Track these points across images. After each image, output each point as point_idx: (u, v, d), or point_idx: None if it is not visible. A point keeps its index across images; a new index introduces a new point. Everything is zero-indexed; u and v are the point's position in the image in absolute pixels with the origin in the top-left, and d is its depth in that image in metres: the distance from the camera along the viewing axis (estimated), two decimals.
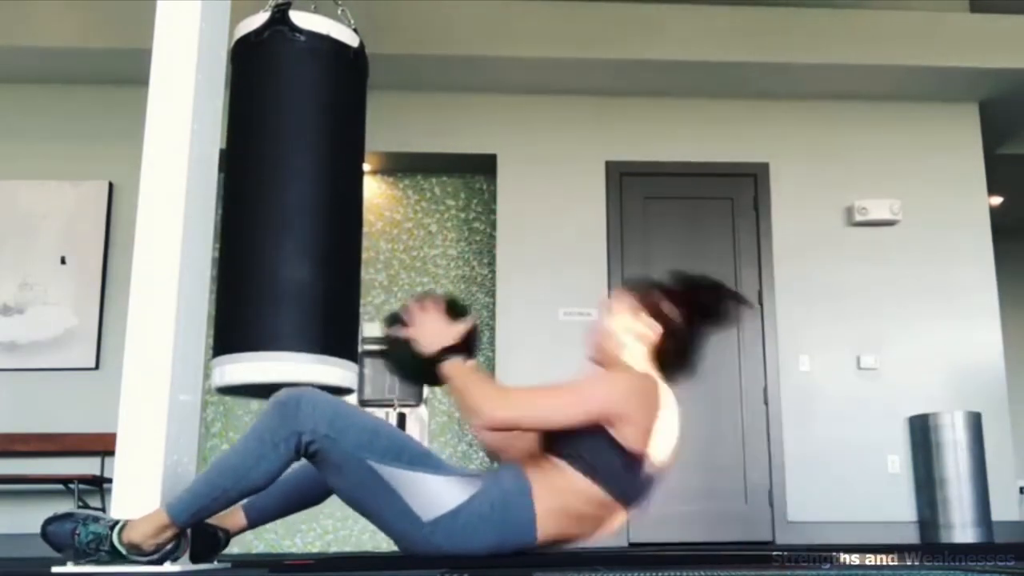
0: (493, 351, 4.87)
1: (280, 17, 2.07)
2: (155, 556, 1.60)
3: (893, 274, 4.89)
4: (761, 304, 4.83)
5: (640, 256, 4.85)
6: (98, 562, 1.60)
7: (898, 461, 4.70)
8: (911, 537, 4.57)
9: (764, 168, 4.96)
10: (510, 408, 1.66)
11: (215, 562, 1.81)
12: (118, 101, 4.83)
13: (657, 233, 4.89)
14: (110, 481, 4.36)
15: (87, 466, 4.40)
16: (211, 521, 1.74)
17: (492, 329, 4.93)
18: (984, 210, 4.98)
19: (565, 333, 4.68)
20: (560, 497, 1.66)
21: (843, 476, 4.65)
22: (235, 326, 1.98)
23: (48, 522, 1.63)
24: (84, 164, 4.79)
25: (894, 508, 4.63)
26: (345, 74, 2.11)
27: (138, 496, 1.70)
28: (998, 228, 5.07)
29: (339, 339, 2.04)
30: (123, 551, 1.58)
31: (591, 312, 4.72)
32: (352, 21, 2.22)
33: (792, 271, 4.86)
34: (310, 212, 2.03)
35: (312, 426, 1.56)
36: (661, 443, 1.73)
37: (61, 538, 1.61)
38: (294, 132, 2.05)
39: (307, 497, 1.89)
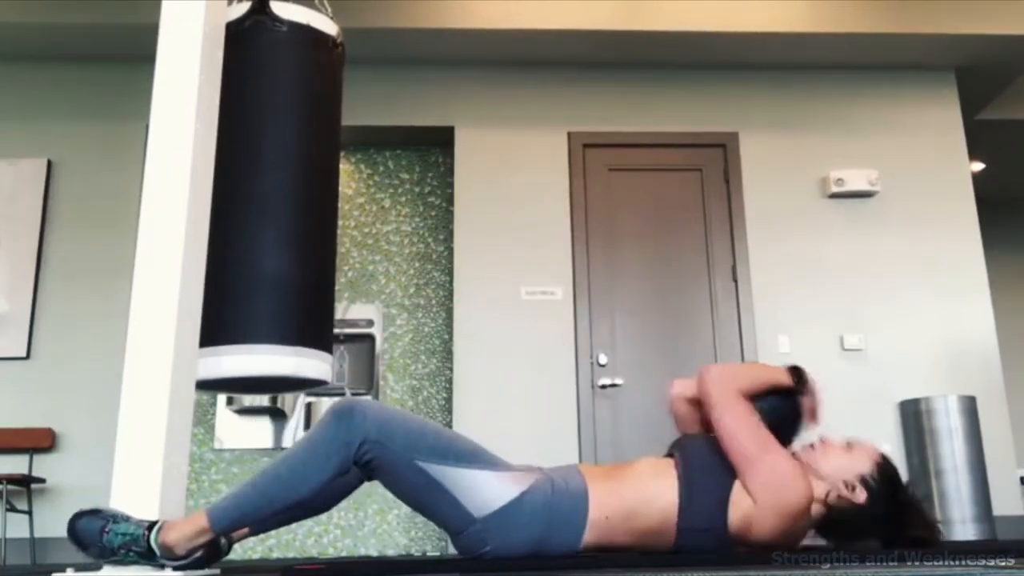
0: (450, 335, 4.57)
1: (260, 7, 2.07)
2: (186, 560, 1.58)
3: (874, 248, 4.61)
4: (735, 281, 4.52)
5: (605, 230, 4.56)
6: (121, 562, 1.58)
7: (889, 451, 4.34)
8: None
9: (734, 138, 4.70)
10: (719, 386, 1.75)
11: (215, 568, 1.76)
12: (58, 77, 4.62)
13: (623, 206, 4.61)
14: (39, 481, 4.03)
15: (15, 464, 4.07)
16: None
17: (449, 310, 4.62)
18: (967, 179, 4.71)
19: (528, 313, 4.39)
20: (625, 504, 1.68)
21: None
22: (210, 318, 1.95)
23: (77, 517, 1.60)
24: (21, 142, 4.54)
25: None
26: (325, 63, 2.15)
27: (137, 497, 1.67)
28: (980, 195, 4.81)
29: (316, 330, 2.03)
30: (158, 552, 1.56)
31: (555, 291, 4.44)
32: (329, 9, 2.24)
33: (767, 245, 4.57)
34: (289, 201, 2.03)
35: (364, 434, 1.60)
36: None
37: (89, 536, 1.58)
38: (273, 121, 2.07)
39: (313, 505, 1.84)
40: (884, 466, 1.79)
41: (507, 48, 4.57)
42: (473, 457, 1.67)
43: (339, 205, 4.76)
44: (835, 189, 4.60)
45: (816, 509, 1.71)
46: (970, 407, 4.22)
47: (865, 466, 1.77)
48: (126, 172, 4.47)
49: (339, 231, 4.70)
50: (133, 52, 4.37)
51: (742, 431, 1.69)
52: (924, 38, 4.55)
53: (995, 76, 4.88)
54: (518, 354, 4.31)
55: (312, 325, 2.00)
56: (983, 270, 4.60)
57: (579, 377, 4.32)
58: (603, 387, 4.34)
